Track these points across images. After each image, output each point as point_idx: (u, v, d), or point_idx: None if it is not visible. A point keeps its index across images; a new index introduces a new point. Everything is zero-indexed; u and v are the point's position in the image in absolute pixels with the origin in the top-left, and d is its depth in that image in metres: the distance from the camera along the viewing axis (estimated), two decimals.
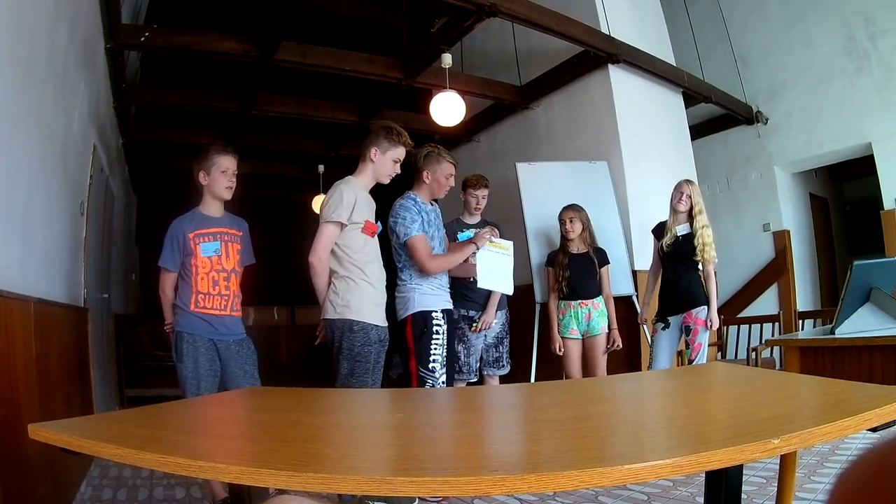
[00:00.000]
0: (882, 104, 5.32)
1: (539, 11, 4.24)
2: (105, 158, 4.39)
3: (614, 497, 2.50)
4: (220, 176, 2.58)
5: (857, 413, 0.87)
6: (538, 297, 4.47)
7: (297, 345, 8.95)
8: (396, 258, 2.83)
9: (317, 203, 7.81)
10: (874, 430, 0.89)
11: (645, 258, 4.57)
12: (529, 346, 4.42)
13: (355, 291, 2.54)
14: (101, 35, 3.85)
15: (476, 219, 3.66)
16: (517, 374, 3.89)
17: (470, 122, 5.86)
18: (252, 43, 4.37)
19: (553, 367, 4.25)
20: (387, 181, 2.69)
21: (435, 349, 2.70)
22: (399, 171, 2.71)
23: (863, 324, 2.22)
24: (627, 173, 4.74)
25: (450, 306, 2.87)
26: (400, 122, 6.35)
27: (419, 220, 2.73)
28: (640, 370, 4.22)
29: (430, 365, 2.68)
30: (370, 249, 2.62)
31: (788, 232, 6.19)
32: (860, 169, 5.90)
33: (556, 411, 1.30)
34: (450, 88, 4.64)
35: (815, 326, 4.95)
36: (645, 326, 4.09)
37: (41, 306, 2.30)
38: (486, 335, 3.59)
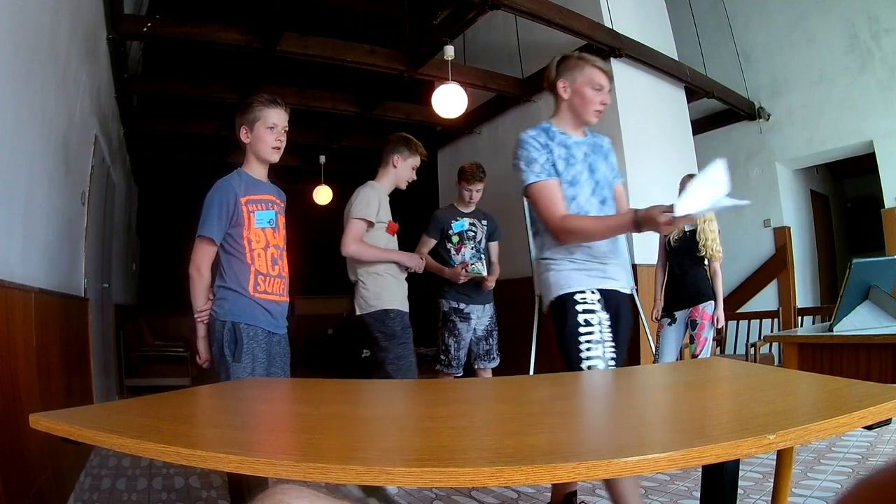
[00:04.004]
0: (884, 102, 5.31)
1: (542, 5, 4.23)
2: (106, 149, 4.38)
3: None
4: (266, 133, 2.18)
5: (853, 410, 0.88)
6: (538, 290, 4.47)
7: (297, 335, 8.89)
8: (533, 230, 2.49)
9: (318, 194, 7.80)
10: (870, 427, 0.90)
11: (644, 252, 4.58)
12: (529, 339, 4.42)
13: (383, 283, 2.78)
14: (103, 25, 3.84)
15: (471, 207, 3.67)
16: (516, 367, 3.89)
17: (472, 115, 5.85)
18: (254, 34, 4.36)
19: (551, 360, 4.25)
20: (405, 186, 2.91)
21: (590, 343, 1.95)
22: (416, 178, 2.93)
23: (861, 322, 2.22)
24: (629, 167, 4.73)
25: (606, 285, 2.03)
26: (401, 113, 6.34)
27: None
28: (640, 364, 4.22)
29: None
30: (392, 247, 2.87)
31: (789, 228, 6.19)
32: (862, 167, 5.90)
33: (554, 404, 1.31)
34: (452, 80, 4.63)
35: (813, 323, 4.96)
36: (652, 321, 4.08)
37: (42, 296, 2.31)
38: (475, 328, 3.56)
